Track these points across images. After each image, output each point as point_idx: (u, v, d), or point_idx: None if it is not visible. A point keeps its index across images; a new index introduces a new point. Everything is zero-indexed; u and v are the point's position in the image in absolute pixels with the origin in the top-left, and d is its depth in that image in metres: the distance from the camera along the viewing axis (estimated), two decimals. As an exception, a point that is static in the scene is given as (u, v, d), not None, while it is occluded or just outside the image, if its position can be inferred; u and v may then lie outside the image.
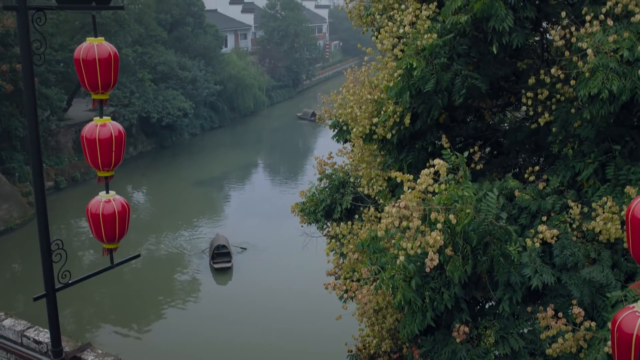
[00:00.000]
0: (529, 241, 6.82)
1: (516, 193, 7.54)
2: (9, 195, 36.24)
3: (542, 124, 7.53)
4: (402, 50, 7.45)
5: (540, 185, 7.60)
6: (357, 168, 12.29)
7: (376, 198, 9.40)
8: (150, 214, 38.94)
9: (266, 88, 70.95)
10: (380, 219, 10.45)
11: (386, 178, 8.97)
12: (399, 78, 7.32)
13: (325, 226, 13.37)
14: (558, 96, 7.31)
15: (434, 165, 6.37)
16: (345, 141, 13.25)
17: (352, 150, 13.04)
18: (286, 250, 29.01)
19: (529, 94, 7.53)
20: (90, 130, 6.12)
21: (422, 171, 6.22)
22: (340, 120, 10.46)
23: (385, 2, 9.60)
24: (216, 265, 28.87)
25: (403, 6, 7.62)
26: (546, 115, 7.55)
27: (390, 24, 7.55)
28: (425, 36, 7.17)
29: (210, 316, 25.52)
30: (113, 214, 6.29)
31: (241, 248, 31.05)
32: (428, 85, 7.27)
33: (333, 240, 9.05)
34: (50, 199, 40.33)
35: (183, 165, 48.15)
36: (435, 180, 6.50)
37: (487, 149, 10.53)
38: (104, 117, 6.19)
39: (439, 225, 6.13)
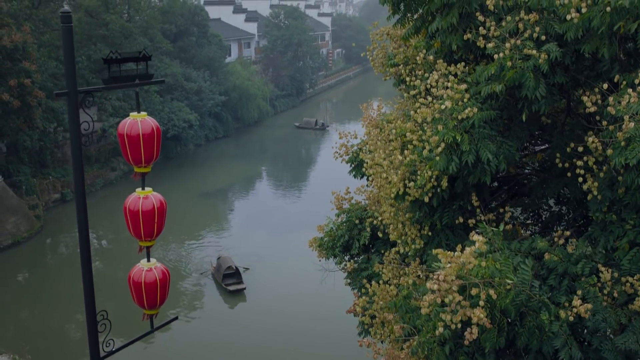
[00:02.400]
0: (562, 313, 6.94)
1: (546, 256, 7.66)
2: (16, 208, 36.36)
3: (594, 192, 7.59)
4: (439, 119, 7.58)
5: (569, 249, 7.72)
6: (376, 204, 12.39)
7: (405, 248, 9.48)
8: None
9: (270, 97, 71.23)
10: (404, 261, 10.61)
11: (418, 235, 9.08)
12: (442, 151, 7.48)
13: (343, 261, 13.53)
14: (610, 163, 7.36)
15: (468, 236, 6.49)
16: (362, 176, 13.39)
17: (367, 185, 13.18)
18: (296, 265, 29.14)
19: (579, 162, 7.61)
20: (133, 202, 6.24)
21: (466, 250, 6.33)
22: (364, 166, 10.53)
23: (409, 52, 9.76)
24: (231, 288, 28.57)
25: (437, 75, 7.74)
26: (592, 182, 7.64)
27: (429, 97, 7.69)
28: (467, 110, 7.33)
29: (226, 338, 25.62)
30: (155, 282, 6.42)
31: (244, 268, 30.73)
32: (483, 156, 7.45)
33: (364, 297, 9.16)
34: (57, 210, 40.54)
35: (188, 176, 48.30)
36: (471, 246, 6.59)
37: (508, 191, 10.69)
38: (146, 189, 6.31)
39: (482, 303, 6.27)
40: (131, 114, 6.11)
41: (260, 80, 70.19)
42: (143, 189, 6.30)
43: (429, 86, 7.99)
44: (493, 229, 7.22)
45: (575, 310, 6.82)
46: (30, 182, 39.01)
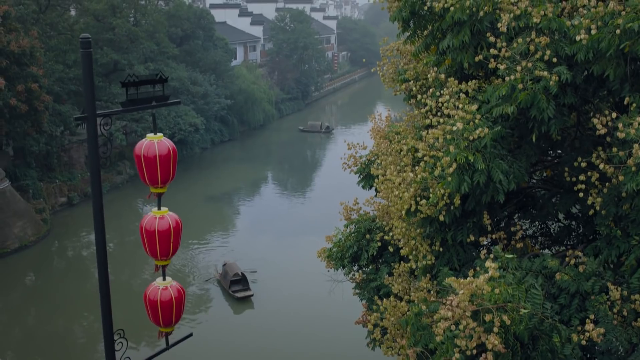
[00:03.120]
0: (575, 336, 7.01)
1: (557, 276, 7.73)
2: (23, 212, 36.48)
3: (597, 207, 7.67)
4: (450, 139, 7.66)
5: (581, 268, 7.79)
6: (384, 215, 12.44)
7: (416, 264, 9.55)
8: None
9: (275, 100, 71.39)
10: (414, 274, 10.67)
11: (429, 250, 9.15)
12: (453, 171, 7.56)
13: (351, 271, 13.60)
14: (614, 180, 7.42)
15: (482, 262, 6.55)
16: (370, 187, 13.45)
17: (376, 195, 13.23)
18: (303, 270, 29.18)
19: (582, 177, 7.70)
20: (150, 222, 6.33)
21: (480, 277, 6.40)
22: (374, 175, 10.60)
23: (419, 68, 9.83)
24: (238, 295, 28.40)
25: (448, 95, 7.83)
26: (595, 197, 7.70)
27: (439, 115, 7.78)
28: (478, 130, 7.41)
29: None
30: (170, 300, 6.52)
31: (251, 272, 30.59)
32: (495, 176, 7.54)
33: (375, 314, 9.25)
34: (64, 214, 40.68)
35: (193, 180, 48.44)
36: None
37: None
38: (162, 209, 6.40)
39: (496, 329, 6.33)
40: (147, 135, 6.21)
41: (265, 83, 70.40)
42: (159, 209, 6.40)
43: (440, 104, 8.07)
44: (507, 255, 7.29)
45: (587, 334, 6.88)
46: (37, 186, 39.18)
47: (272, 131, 67.56)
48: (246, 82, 63.30)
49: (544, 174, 10.26)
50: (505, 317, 6.46)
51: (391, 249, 10.76)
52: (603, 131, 7.12)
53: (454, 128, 7.47)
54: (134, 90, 6.10)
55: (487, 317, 6.39)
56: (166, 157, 6.17)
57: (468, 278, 6.45)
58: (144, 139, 6.20)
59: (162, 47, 49.92)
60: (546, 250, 10.57)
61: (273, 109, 69.59)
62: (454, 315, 6.22)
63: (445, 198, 7.95)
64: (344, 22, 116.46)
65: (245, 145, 61.28)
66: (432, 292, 8.72)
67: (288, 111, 75.95)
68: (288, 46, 78.34)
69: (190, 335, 7.09)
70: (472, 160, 7.42)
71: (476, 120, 7.55)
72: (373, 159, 13.01)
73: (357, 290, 13.26)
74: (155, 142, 6.15)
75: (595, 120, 7.18)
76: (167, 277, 6.63)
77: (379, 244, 12.52)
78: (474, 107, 7.59)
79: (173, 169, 6.30)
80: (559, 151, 9.58)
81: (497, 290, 6.54)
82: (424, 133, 8.19)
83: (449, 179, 7.62)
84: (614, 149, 7.15)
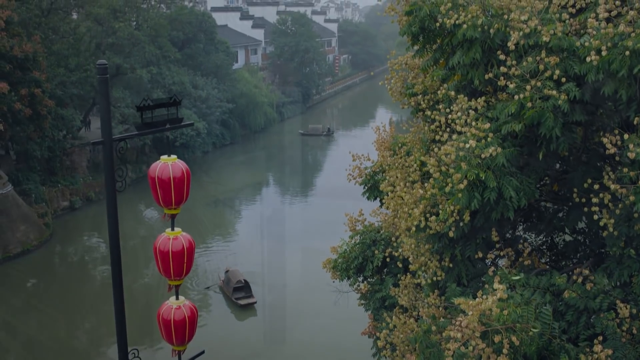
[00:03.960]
0: (583, 357, 7.05)
1: (565, 294, 7.78)
2: (25, 216, 36.54)
3: (610, 228, 7.69)
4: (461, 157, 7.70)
5: (588, 286, 7.83)
6: (392, 227, 12.48)
7: (426, 280, 9.60)
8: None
9: (276, 104, 71.45)
10: (419, 285, 10.72)
11: (439, 266, 9.19)
12: (463, 188, 7.60)
13: (357, 282, 13.66)
14: (627, 202, 7.43)
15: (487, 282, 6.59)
16: (375, 198, 13.49)
17: (380, 206, 13.27)
18: (306, 273, 29.16)
19: (594, 199, 7.72)
20: (164, 242, 6.40)
21: (488, 299, 6.45)
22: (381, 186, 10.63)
23: (427, 82, 9.89)
24: (241, 302, 28.19)
25: (459, 112, 7.89)
26: (608, 218, 7.73)
27: (454, 136, 7.84)
28: (491, 149, 7.46)
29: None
30: (183, 319, 6.58)
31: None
32: (506, 193, 7.59)
33: (385, 331, 9.29)
34: (66, 218, 40.71)
35: (195, 184, 47.86)
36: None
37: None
38: (176, 230, 6.45)
39: (505, 351, 6.38)
40: (162, 157, 6.27)
41: (267, 86, 70.47)
42: (173, 229, 6.46)
43: (450, 121, 8.12)
44: (514, 277, 7.35)
45: (595, 356, 6.92)
46: (39, 190, 39.19)
47: (273, 134, 67.63)
48: (247, 86, 63.35)
49: (551, 188, 10.29)
50: (514, 338, 6.51)
51: (399, 265, 10.81)
52: (613, 150, 7.17)
53: (467, 145, 7.51)
54: (149, 113, 6.16)
55: (496, 339, 6.44)
56: (180, 179, 6.24)
57: (477, 299, 6.49)
58: (158, 161, 6.26)
59: (164, 51, 49.95)
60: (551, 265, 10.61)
61: (274, 112, 69.66)
62: (464, 336, 6.27)
63: (455, 214, 7.99)
64: (345, 25, 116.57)
65: (247, 148, 61.36)
66: (440, 308, 8.77)
67: (289, 114, 75.99)
68: (289, 49, 78.40)
69: (203, 352, 7.14)
70: (483, 178, 7.47)
71: (488, 139, 7.60)
72: (378, 170, 13.08)
73: (363, 301, 13.31)
74: (169, 165, 6.22)
75: (605, 140, 7.22)
76: (180, 297, 6.68)
77: (388, 259, 12.56)
78: (487, 125, 7.64)
79: (187, 190, 6.36)
80: (566, 166, 9.60)
81: (505, 312, 6.59)
82: (435, 149, 8.24)
83: (459, 195, 7.66)
84: (625, 169, 7.18)
